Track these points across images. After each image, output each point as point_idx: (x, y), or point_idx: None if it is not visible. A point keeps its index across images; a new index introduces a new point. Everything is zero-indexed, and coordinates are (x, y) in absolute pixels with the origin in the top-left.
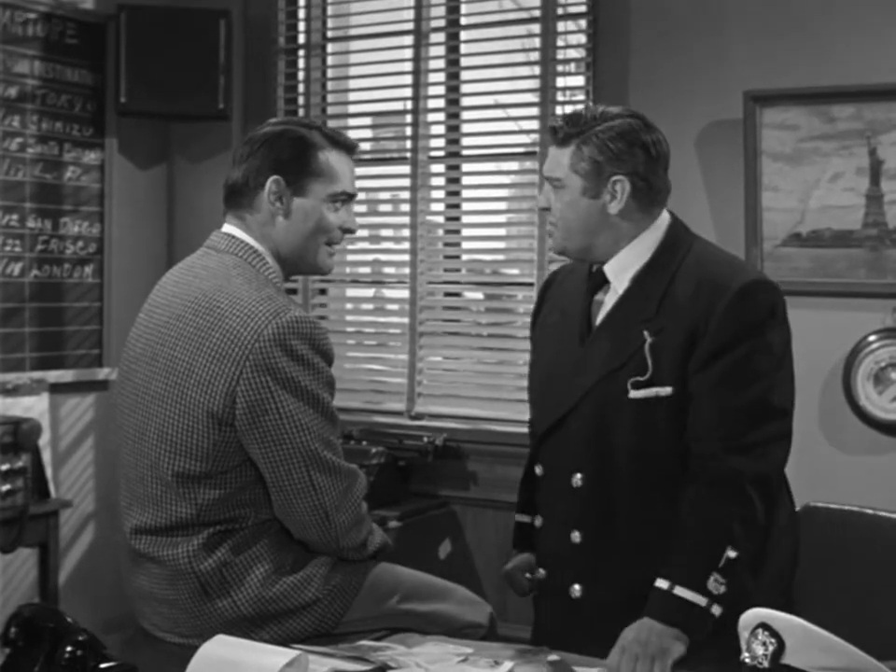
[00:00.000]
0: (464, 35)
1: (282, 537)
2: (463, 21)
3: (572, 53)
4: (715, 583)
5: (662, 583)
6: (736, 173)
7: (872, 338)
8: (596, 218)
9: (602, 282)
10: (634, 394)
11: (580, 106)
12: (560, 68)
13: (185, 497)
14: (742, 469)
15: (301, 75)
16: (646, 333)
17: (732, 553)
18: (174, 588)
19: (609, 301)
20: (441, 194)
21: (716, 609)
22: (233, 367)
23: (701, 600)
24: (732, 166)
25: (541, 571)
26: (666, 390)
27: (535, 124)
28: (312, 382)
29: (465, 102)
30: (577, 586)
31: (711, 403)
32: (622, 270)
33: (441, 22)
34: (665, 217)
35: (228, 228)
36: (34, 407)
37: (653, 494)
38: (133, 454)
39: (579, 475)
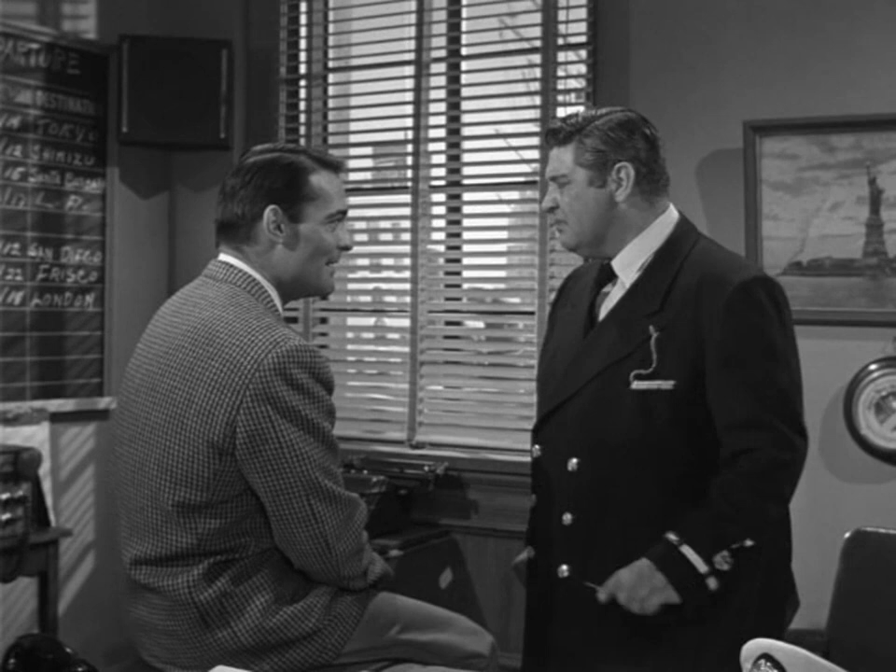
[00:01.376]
0: (464, 64)
1: (282, 566)
2: (464, 51)
3: (573, 83)
4: (721, 559)
5: (671, 536)
6: (737, 202)
7: (873, 367)
8: (605, 207)
9: (610, 276)
10: (636, 385)
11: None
12: (560, 98)
13: (185, 526)
14: (779, 461)
15: (302, 104)
16: (651, 328)
17: (749, 542)
18: (173, 619)
19: (615, 293)
20: (441, 223)
21: (712, 582)
22: (233, 396)
23: (702, 567)
24: (732, 195)
25: (531, 550)
26: (668, 384)
27: (535, 154)
28: (312, 411)
29: (466, 131)
30: (564, 566)
31: (736, 403)
32: (629, 263)
33: (442, 52)
34: (673, 214)
35: (225, 258)
36: (34, 436)
37: (646, 482)
38: (132, 484)
39: (575, 459)
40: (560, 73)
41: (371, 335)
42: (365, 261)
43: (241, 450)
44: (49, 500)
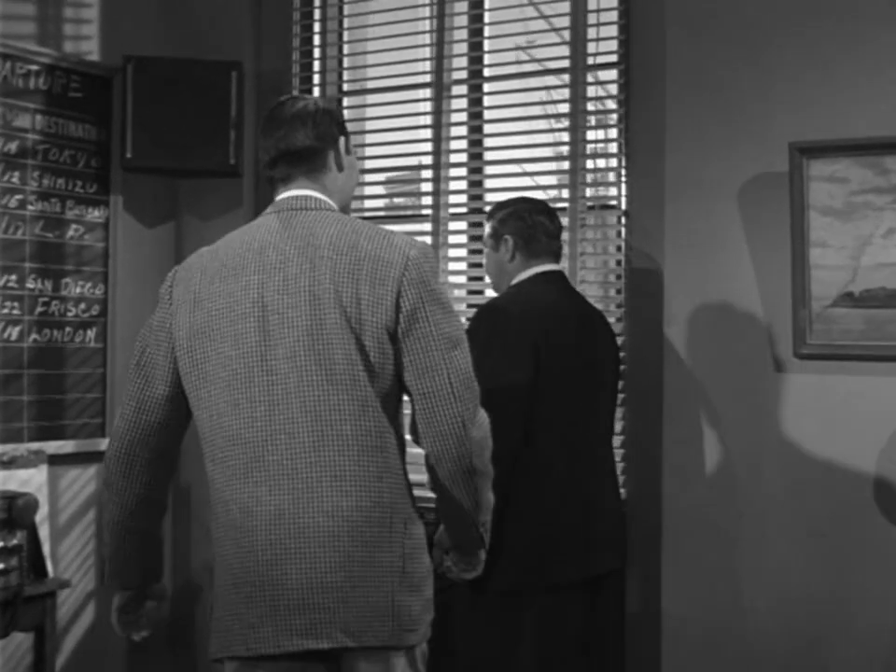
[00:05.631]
0: (487, 87)
1: None
2: (486, 72)
3: (603, 105)
4: None
5: None
6: (782, 229)
7: None
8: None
9: None
10: None
11: None
12: (590, 120)
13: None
14: None
15: None
16: None
17: None
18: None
19: None
20: (462, 252)
21: None
22: (394, 285)
23: None
24: (777, 222)
25: None
26: None
27: (564, 178)
28: (445, 294)
29: (488, 156)
30: None
31: None
32: None
33: (463, 74)
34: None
35: (303, 191)
36: (31, 480)
37: None
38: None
39: None
40: (590, 94)
41: None
42: None
43: (401, 331)
44: (46, 549)
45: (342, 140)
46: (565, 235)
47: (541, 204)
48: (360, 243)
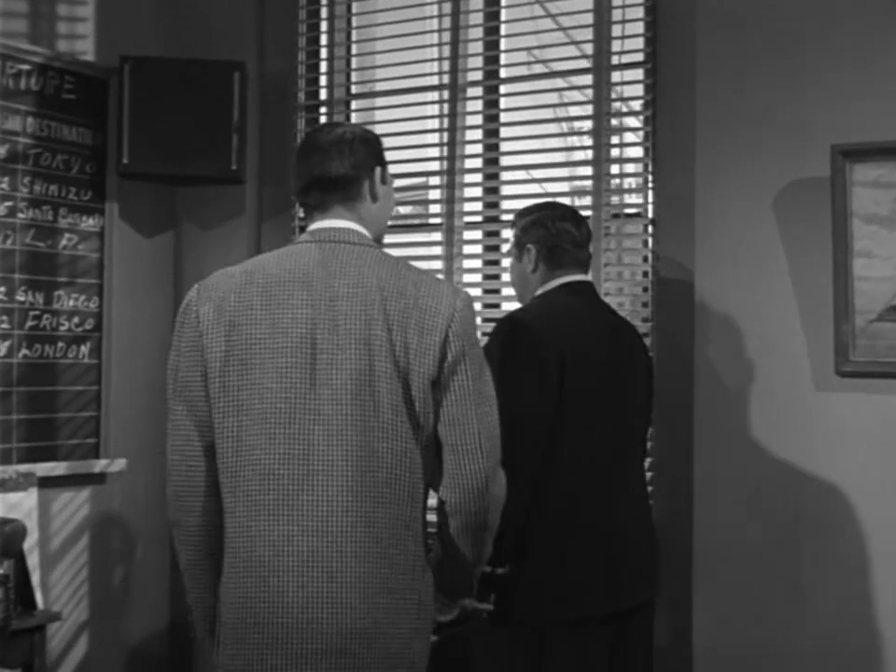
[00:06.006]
0: (503, 88)
1: None
2: (503, 73)
3: (628, 107)
4: None
5: None
6: (823, 238)
7: None
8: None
9: None
10: None
11: None
12: (615, 122)
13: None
14: None
15: None
16: None
17: None
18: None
19: None
20: (478, 263)
21: None
22: (440, 335)
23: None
24: (818, 230)
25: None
26: None
27: (587, 185)
28: (481, 348)
29: (504, 161)
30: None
31: None
32: None
33: (479, 75)
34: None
35: (341, 222)
36: (20, 504)
37: None
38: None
39: None
40: (614, 95)
41: None
42: None
43: (441, 382)
44: (35, 579)
45: (378, 170)
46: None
47: (567, 211)
48: (408, 288)
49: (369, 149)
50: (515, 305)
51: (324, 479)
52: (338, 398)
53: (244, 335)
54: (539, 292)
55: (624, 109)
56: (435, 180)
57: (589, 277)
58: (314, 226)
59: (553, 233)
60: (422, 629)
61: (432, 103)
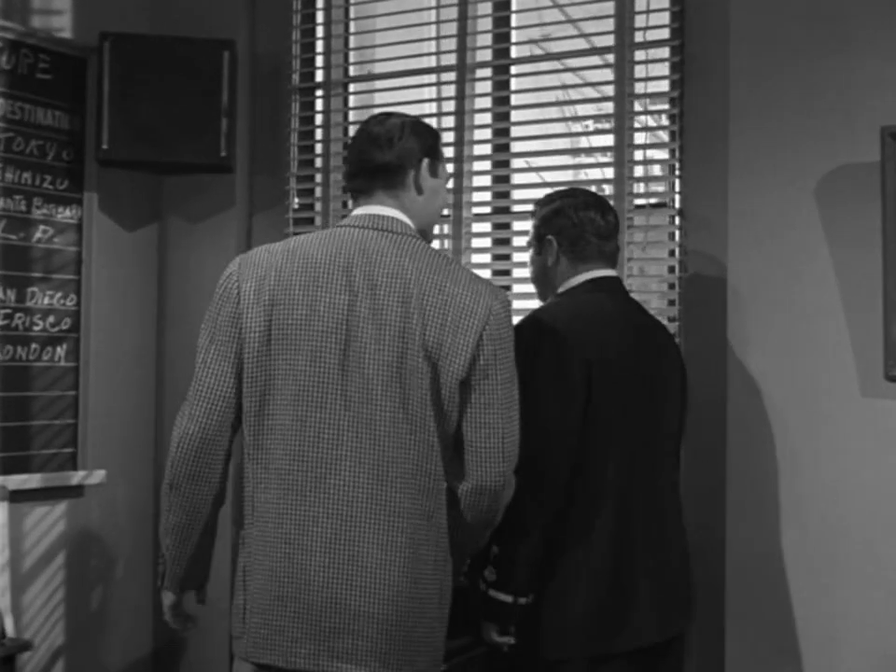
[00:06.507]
0: (514, 69)
1: None
2: (514, 52)
3: (653, 87)
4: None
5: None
6: (871, 227)
7: None
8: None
9: None
10: None
11: None
12: (638, 105)
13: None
14: None
15: (318, 118)
16: None
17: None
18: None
19: None
20: (486, 258)
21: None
22: (474, 337)
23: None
24: (865, 219)
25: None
26: None
27: (608, 173)
28: (513, 352)
29: (516, 147)
30: None
31: None
32: None
33: (488, 55)
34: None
35: (385, 210)
36: None
37: None
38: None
39: None
40: (638, 75)
41: None
42: None
43: (471, 382)
44: (4, 602)
45: (425, 161)
46: None
47: (592, 198)
48: (446, 285)
49: (419, 140)
50: (525, 304)
51: (351, 465)
52: (368, 387)
53: (283, 315)
54: (561, 290)
55: (650, 90)
56: None
57: (616, 273)
58: (357, 211)
59: (576, 223)
60: (443, 619)
61: (436, 85)
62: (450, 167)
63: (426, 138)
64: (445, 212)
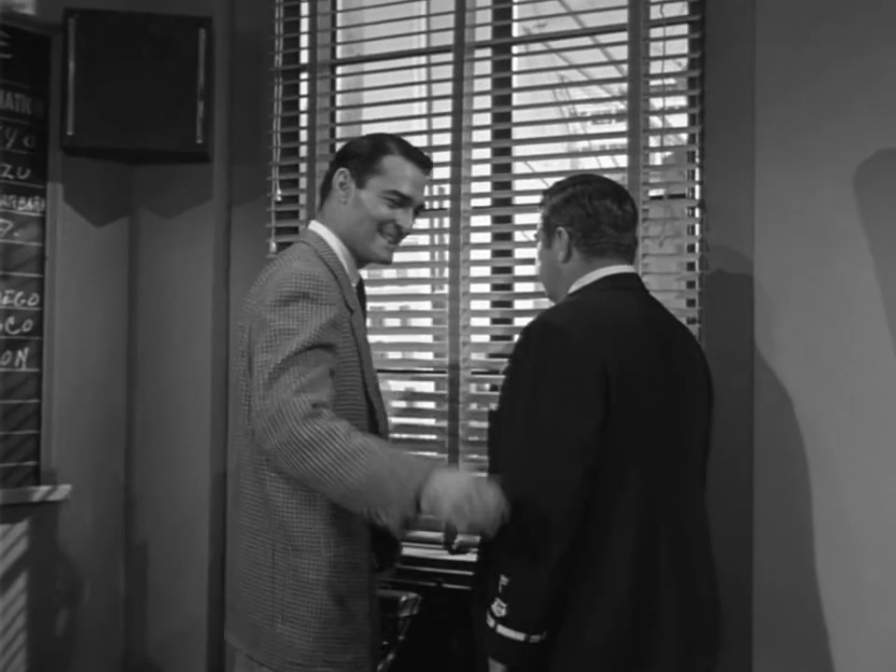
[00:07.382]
0: (517, 49)
1: None
2: (515, 31)
3: (670, 67)
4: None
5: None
6: None
7: None
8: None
9: None
10: None
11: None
12: (654, 85)
13: None
14: None
15: (303, 103)
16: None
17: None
18: None
19: None
20: (486, 254)
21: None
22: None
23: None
24: None
25: None
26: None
27: (621, 161)
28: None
29: (517, 133)
30: None
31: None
32: None
33: (488, 33)
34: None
35: (312, 222)
36: None
37: None
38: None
39: None
40: (653, 54)
41: (402, 404)
42: (396, 308)
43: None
44: None
45: (343, 171)
46: None
47: (607, 185)
48: (270, 271)
49: (345, 151)
50: (526, 305)
51: None
52: None
53: None
54: (573, 288)
55: (667, 69)
56: (437, 157)
57: (633, 269)
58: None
59: (590, 213)
60: (293, 615)
61: (429, 66)
62: (446, 155)
63: (355, 150)
64: (445, 203)
